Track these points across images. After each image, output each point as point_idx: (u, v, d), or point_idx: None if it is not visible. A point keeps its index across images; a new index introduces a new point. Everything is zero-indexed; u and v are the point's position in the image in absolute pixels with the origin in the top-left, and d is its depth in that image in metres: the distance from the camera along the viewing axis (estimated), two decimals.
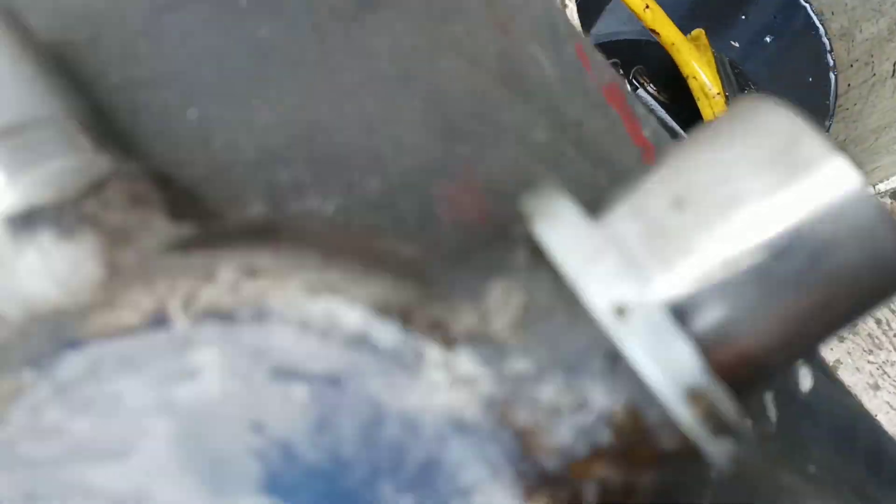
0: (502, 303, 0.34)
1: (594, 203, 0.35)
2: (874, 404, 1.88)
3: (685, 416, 0.31)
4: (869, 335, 1.89)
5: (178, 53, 0.43)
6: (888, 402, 1.86)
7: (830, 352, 1.87)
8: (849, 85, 1.73)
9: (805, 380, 0.60)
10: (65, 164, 0.36)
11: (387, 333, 0.32)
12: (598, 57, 0.56)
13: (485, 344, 0.33)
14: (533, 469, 0.32)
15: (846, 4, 1.69)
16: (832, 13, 1.72)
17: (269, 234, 0.36)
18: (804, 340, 0.33)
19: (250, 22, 0.43)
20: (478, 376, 0.32)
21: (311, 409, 0.32)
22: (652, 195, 0.34)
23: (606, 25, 1.77)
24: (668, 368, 0.31)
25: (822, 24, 1.75)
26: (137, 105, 0.43)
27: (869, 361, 1.87)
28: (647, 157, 0.55)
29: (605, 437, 0.32)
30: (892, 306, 1.91)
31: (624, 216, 0.33)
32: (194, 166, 0.42)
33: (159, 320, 0.32)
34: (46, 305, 0.33)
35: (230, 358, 0.32)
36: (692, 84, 1.56)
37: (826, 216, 0.31)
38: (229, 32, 0.43)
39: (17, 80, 0.36)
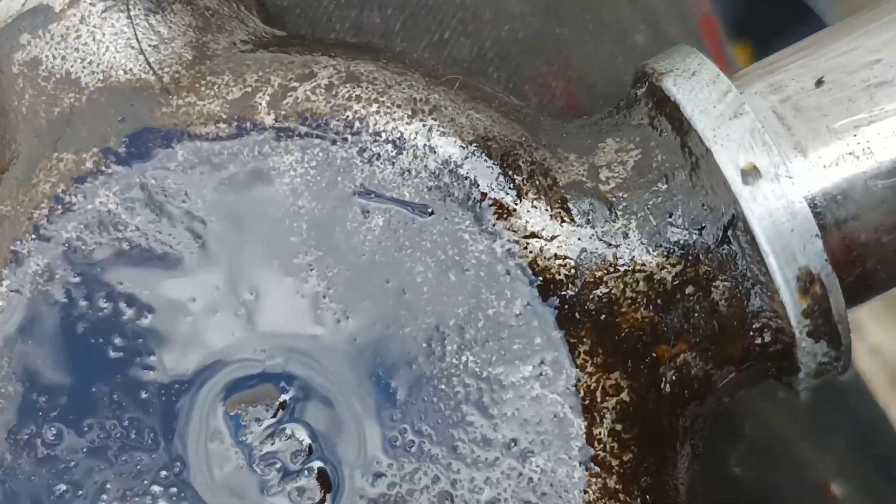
0: (615, 159, 0.31)
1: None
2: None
3: (793, 303, 0.28)
4: None
5: None
6: None
7: None
8: None
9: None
10: None
11: (487, 169, 0.29)
12: None
13: (591, 198, 0.30)
14: (616, 344, 0.29)
15: None
16: None
17: (370, 50, 0.33)
18: None
19: None
20: (577, 233, 0.29)
21: (387, 241, 0.29)
22: (791, 73, 0.31)
23: None
24: (788, 245, 0.28)
25: None
26: None
27: None
28: None
29: (700, 319, 0.29)
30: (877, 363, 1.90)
31: (759, 90, 0.31)
32: None
33: (245, 114, 0.29)
34: (126, 78, 0.30)
35: (311, 169, 0.29)
36: None
37: None
38: None
39: None
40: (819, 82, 0.30)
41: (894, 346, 1.91)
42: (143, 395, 0.29)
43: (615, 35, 0.44)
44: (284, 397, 0.29)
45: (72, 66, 0.30)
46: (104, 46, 0.30)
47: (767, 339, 0.30)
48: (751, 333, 0.30)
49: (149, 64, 0.30)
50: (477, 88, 0.32)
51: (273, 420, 0.29)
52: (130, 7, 0.30)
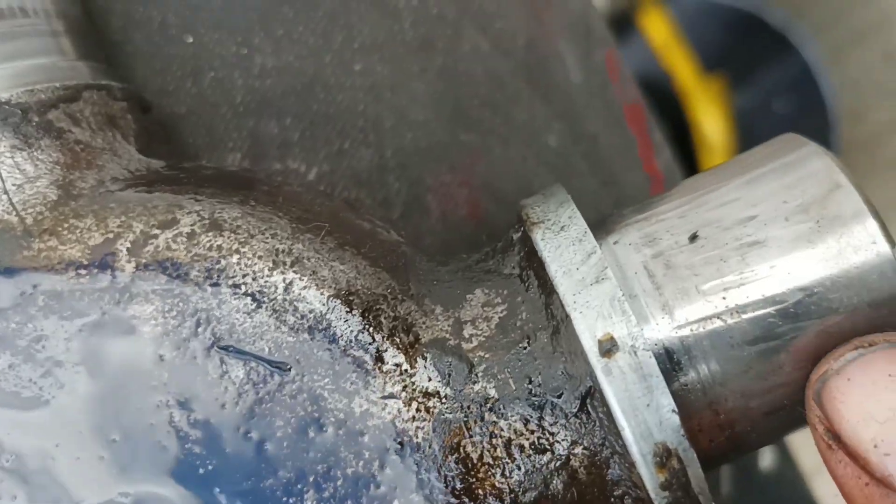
0: (481, 314, 0.30)
1: (600, 221, 0.32)
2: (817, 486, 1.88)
3: (650, 477, 0.28)
4: None
5: None
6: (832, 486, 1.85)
7: None
8: (850, 167, 1.72)
9: (764, 458, 0.57)
10: (42, 63, 0.32)
11: (347, 326, 0.29)
12: (627, 71, 0.52)
13: (452, 357, 0.29)
14: None
15: (860, 85, 1.68)
16: (845, 91, 1.72)
17: (244, 185, 0.32)
18: (792, 416, 0.29)
19: None
20: (437, 393, 0.29)
21: (246, 395, 0.28)
22: (667, 224, 0.30)
23: (626, 57, 1.75)
24: (644, 421, 0.27)
25: (834, 101, 1.74)
26: (134, 19, 0.39)
27: None
28: (655, 188, 0.52)
29: (559, 486, 0.29)
30: None
31: (633, 242, 0.30)
32: (179, 98, 0.39)
33: (106, 261, 0.28)
34: None
35: (172, 319, 0.28)
36: (694, 134, 1.54)
37: (849, 283, 0.28)
38: None
39: None
40: (693, 237, 0.29)
41: None
42: None
43: (526, 136, 0.44)
44: None
45: None
46: None
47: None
48: (611, 501, 0.29)
49: (12, 205, 0.29)
50: (349, 230, 0.32)
51: None
52: None
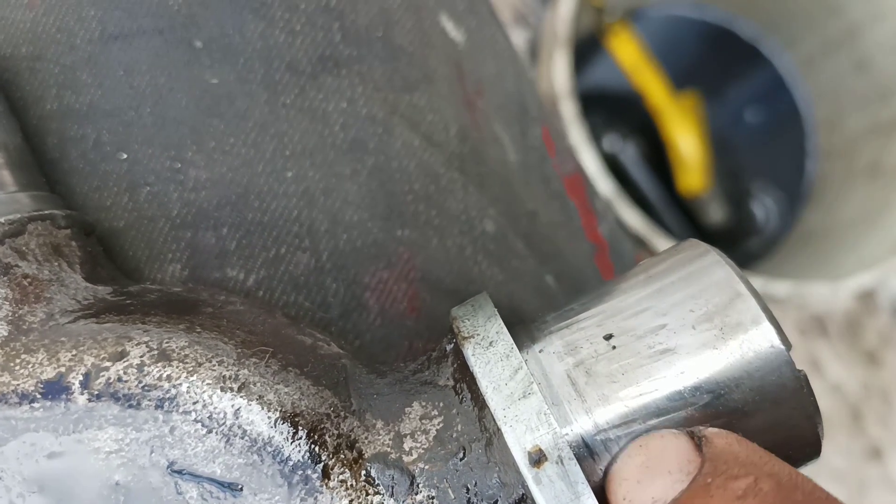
0: (419, 427, 0.32)
1: (525, 327, 0.34)
2: None
3: None
4: None
5: (120, 88, 0.40)
6: None
7: None
8: (826, 173, 1.73)
9: None
10: None
11: (293, 446, 0.30)
12: (564, 144, 0.53)
13: (394, 470, 0.31)
14: None
15: (833, 94, 1.69)
16: (819, 100, 1.73)
17: (189, 309, 0.33)
18: None
19: (202, 66, 0.41)
20: None
21: None
22: (587, 333, 0.32)
23: (598, 75, 1.76)
24: None
25: (808, 110, 1.75)
26: (68, 137, 0.40)
27: None
28: (600, 255, 0.53)
29: None
30: (837, 400, 1.91)
31: (556, 351, 0.32)
32: (117, 213, 0.40)
33: (59, 395, 0.30)
34: None
35: (126, 446, 0.29)
36: (671, 151, 1.55)
37: (751, 384, 0.30)
38: (178, 74, 0.40)
39: None
40: (611, 346, 0.32)
41: (854, 383, 1.92)
42: None
43: (462, 225, 0.45)
44: None
45: None
46: None
47: None
48: None
49: None
50: (292, 348, 0.33)
51: None
52: None
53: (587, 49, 1.68)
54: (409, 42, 0.44)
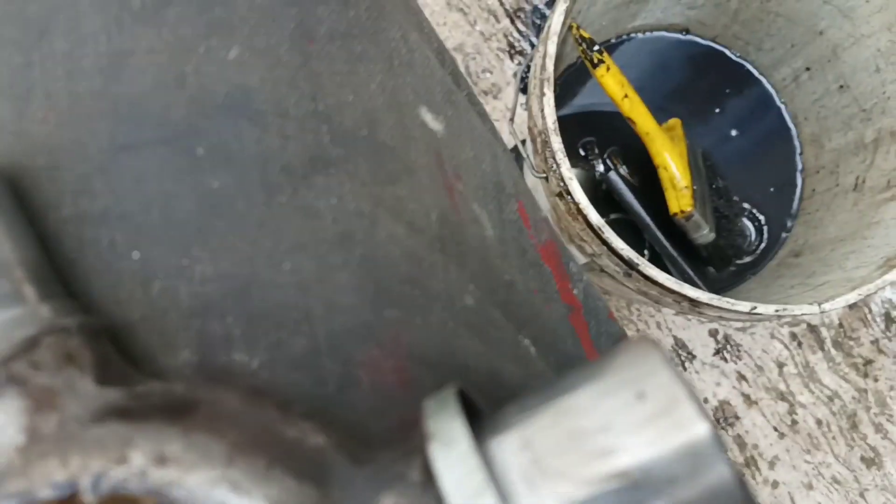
0: None
1: (489, 417, 0.37)
2: (808, 501, 1.92)
3: None
4: (809, 435, 1.93)
5: (130, 194, 0.45)
6: (820, 501, 1.89)
7: (770, 447, 1.90)
8: (814, 190, 1.77)
9: None
10: (4, 318, 0.38)
11: None
12: (538, 214, 0.58)
13: None
14: None
15: (818, 112, 1.73)
16: (805, 118, 1.77)
17: (187, 411, 0.38)
18: None
19: (204, 171, 0.45)
20: None
21: None
22: (541, 431, 0.36)
23: (587, 97, 1.80)
24: None
25: (796, 127, 1.79)
26: (84, 240, 0.44)
27: (806, 461, 1.91)
28: (575, 315, 0.57)
29: None
30: (834, 408, 1.95)
31: (512, 447, 0.35)
32: (132, 307, 0.44)
33: (71, 497, 0.34)
34: None
35: None
36: (662, 174, 1.59)
37: (690, 484, 0.33)
38: (182, 179, 0.45)
39: None
40: (562, 442, 0.35)
41: (849, 391, 1.96)
42: None
43: (445, 302, 0.49)
44: None
45: None
46: None
47: None
48: None
49: None
50: (279, 444, 0.37)
51: None
52: None
53: (580, 71, 1.72)
54: (391, 138, 0.49)
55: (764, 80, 1.83)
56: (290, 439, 0.38)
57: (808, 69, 1.71)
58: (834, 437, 1.94)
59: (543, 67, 1.35)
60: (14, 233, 0.40)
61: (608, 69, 1.55)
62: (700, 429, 0.34)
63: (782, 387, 1.94)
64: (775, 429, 1.92)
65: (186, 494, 0.34)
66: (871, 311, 1.99)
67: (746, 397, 1.94)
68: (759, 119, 1.82)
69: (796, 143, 1.80)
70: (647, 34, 1.81)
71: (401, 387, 0.47)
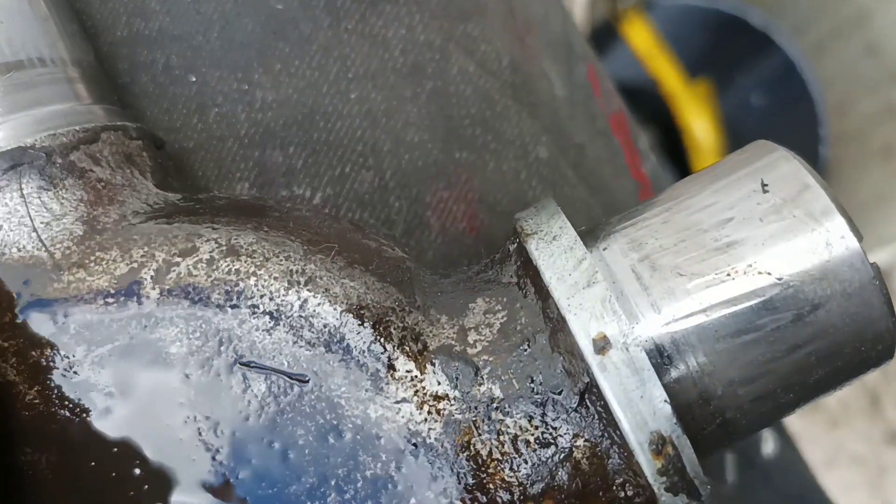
0: (483, 321, 0.33)
1: (589, 230, 0.34)
2: (827, 480, 1.89)
3: (648, 463, 0.30)
4: (829, 412, 1.90)
5: (188, 14, 0.41)
6: (840, 478, 1.87)
7: (789, 424, 1.87)
8: (839, 158, 1.74)
9: (767, 444, 0.59)
10: (61, 108, 0.34)
11: (360, 338, 0.31)
12: (609, 84, 0.54)
13: (459, 362, 0.31)
14: (484, 501, 0.30)
15: (843, 79, 1.70)
16: (830, 85, 1.74)
17: (256, 213, 0.34)
18: (778, 402, 0.32)
19: None
20: (446, 396, 0.31)
21: (268, 407, 0.30)
22: (651, 230, 0.32)
23: (613, 63, 1.77)
24: (639, 412, 0.29)
25: (819, 96, 1.76)
26: (139, 62, 0.41)
27: (826, 439, 1.88)
28: (644, 193, 0.54)
29: (564, 476, 0.31)
30: (855, 386, 1.92)
31: (621, 247, 0.32)
32: (187, 134, 0.41)
33: (131, 289, 0.31)
34: (20, 255, 0.31)
35: (195, 340, 0.30)
36: (685, 139, 1.56)
37: (822, 276, 0.30)
38: None
39: (29, 18, 0.34)
40: (676, 241, 0.32)
41: None
42: None
43: (517, 151, 0.46)
44: None
45: None
46: None
47: (630, 493, 0.31)
48: (613, 488, 0.31)
49: (41, 241, 0.31)
50: (357, 249, 0.33)
51: None
52: (23, 186, 0.32)
53: (602, 38, 1.69)
54: None
55: (787, 48, 1.80)
56: (368, 247, 0.35)
57: (834, 34, 1.68)
58: (855, 416, 1.91)
59: None
60: (68, 31, 0.36)
61: (635, 24, 1.53)
62: (834, 219, 0.30)
63: None
64: None
65: (258, 288, 0.31)
66: (893, 287, 1.96)
67: None
68: (778, 85, 1.79)
69: (821, 110, 1.77)
70: (671, 1, 1.78)
71: (471, 233, 0.44)
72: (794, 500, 0.57)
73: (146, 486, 0.30)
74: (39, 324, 0.30)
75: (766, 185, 0.32)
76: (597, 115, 0.52)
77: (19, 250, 0.31)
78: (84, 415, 0.30)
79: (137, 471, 0.30)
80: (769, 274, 0.30)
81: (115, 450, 0.30)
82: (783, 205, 0.31)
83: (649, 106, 1.63)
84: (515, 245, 0.33)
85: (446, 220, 0.43)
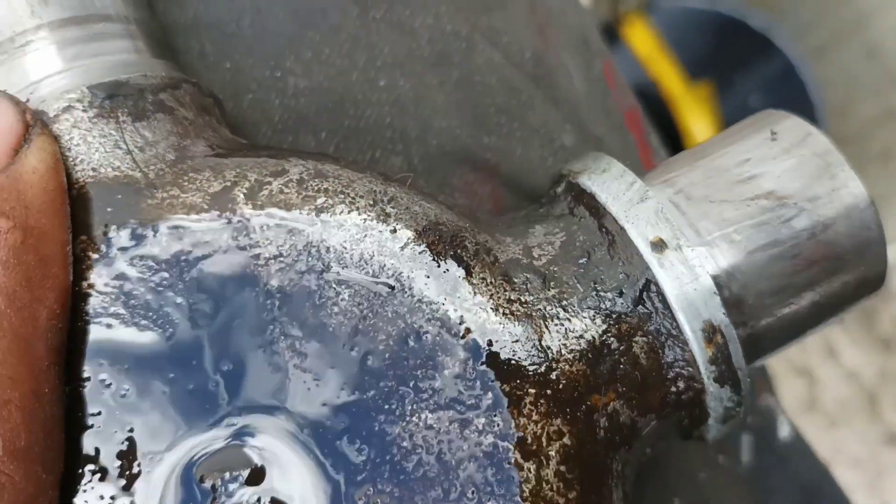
0: (545, 241, 0.36)
1: None
2: None
3: (700, 352, 0.34)
4: (828, 413, 1.91)
5: (221, 2, 0.42)
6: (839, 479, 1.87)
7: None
8: None
9: (783, 427, 0.60)
10: (143, 57, 0.36)
11: (439, 248, 0.33)
12: (623, 80, 0.56)
13: (528, 272, 0.34)
14: (556, 395, 0.33)
15: (844, 82, 1.72)
16: (830, 89, 1.75)
17: (333, 159, 0.36)
18: (797, 318, 0.36)
19: None
20: (518, 300, 0.33)
21: (352, 314, 0.32)
22: (681, 172, 0.37)
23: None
24: (692, 303, 0.34)
25: (819, 99, 1.78)
26: (176, 49, 0.42)
27: (825, 439, 1.89)
28: None
29: (625, 371, 0.34)
30: (854, 386, 1.93)
31: (658, 185, 0.36)
32: (224, 119, 0.42)
33: (224, 205, 0.32)
34: (115, 174, 0.32)
35: (285, 251, 0.32)
36: (685, 141, 1.58)
37: (829, 199, 0.35)
38: None
39: None
40: (704, 177, 0.36)
41: (870, 369, 1.94)
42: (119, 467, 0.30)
43: (543, 139, 0.47)
44: (257, 463, 0.31)
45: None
46: (94, 147, 0.32)
47: (682, 386, 0.35)
48: (667, 382, 0.35)
49: (135, 162, 0.32)
50: (422, 188, 0.36)
51: (246, 487, 0.30)
52: (119, 114, 0.33)
53: (603, 40, 1.70)
54: None
55: (788, 51, 1.82)
56: (431, 192, 0.37)
57: (834, 37, 1.70)
58: (853, 416, 1.92)
59: None
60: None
61: (636, 25, 1.54)
62: (835, 154, 0.36)
63: (801, 363, 1.93)
64: (795, 406, 1.91)
65: (346, 205, 0.33)
66: (890, 289, 1.98)
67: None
68: (777, 87, 1.80)
69: (820, 113, 1.78)
70: (671, 3, 1.80)
71: (496, 213, 0.45)
72: (810, 485, 0.59)
73: (223, 400, 0.31)
74: (134, 237, 0.31)
75: (775, 132, 0.37)
76: (612, 110, 0.54)
77: (114, 170, 0.32)
78: (166, 328, 0.31)
79: (217, 383, 0.31)
80: (787, 198, 0.35)
81: (194, 363, 0.31)
82: (791, 147, 0.36)
83: (650, 107, 1.64)
84: (563, 186, 0.37)
85: (472, 202, 0.44)
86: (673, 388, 0.35)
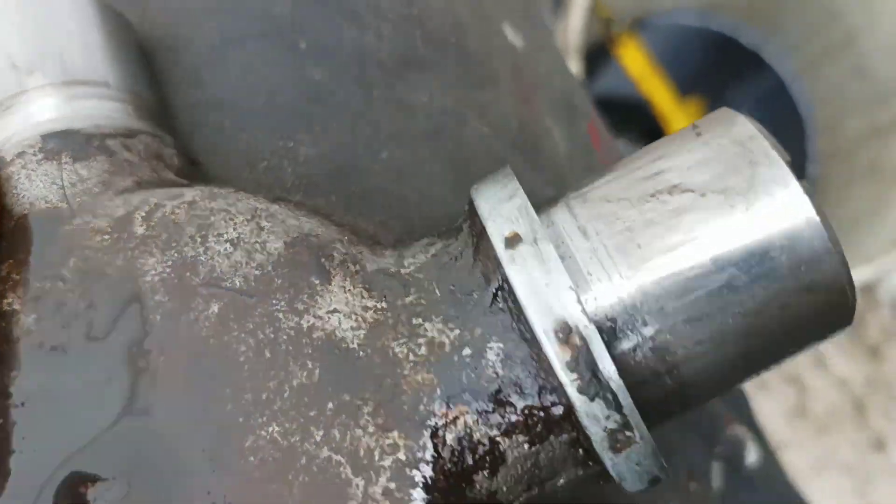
0: (421, 251, 0.36)
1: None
2: (814, 487, 1.95)
3: (556, 355, 0.30)
4: (817, 419, 1.95)
5: (237, 83, 0.47)
6: (827, 485, 1.91)
7: (778, 431, 1.92)
8: (828, 176, 1.80)
9: (751, 454, 0.65)
10: (115, 115, 0.40)
11: (303, 258, 0.34)
12: (611, 142, 0.61)
13: (391, 279, 0.35)
14: (398, 405, 0.31)
15: (833, 98, 1.76)
16: (820, 105, 1.80)
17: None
18: (725, 326, 0.31)
19: (306, 64, 0.48)
20: (374, 307, 0.34)
21: (218, 327, 0.32)
22: (591, 178, 0.35)
23: (607, 82, 1.83)
24: (545, 300, 0.30)
25: (809, 114, 1.82)
26: (196, 124, 0.47)
27: (814, 446, 1.93)
28: None
29: (476, 380, 0.32)
30: (843, 393, 1.97)
31: (564, 195, 0.35)
32: (239, 184, 0.47)
33: (124, 227, 0.35)
34: (45, 206, 0.37)
35: (167, 267, 0.34)
36: None
37: (747, 190, 0.31)
38: (285, 71, 0.48)
39: (99, 48, 0.41)
40: (609, 180, 0.34)
41: (858, 377, 1.98)
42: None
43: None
44: (115, 475, 0.31)
45: (7, 200, 0.37)
46: (35, 184, 0.37)
47: (547, 401, 0.31)
48: (526, 393, 0.31)
49: (65, 194, 0.37)
50: (322, 208, 0.39)
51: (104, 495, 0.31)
52: (62, 157, 0.38)
53: (597, 56, 1.75)
54: (477, 47, 0.52)
55: (778, 67, 1.86)
56: (327, 211, 0.40)
57: (824, 54, 1.74)
58: (842, 423, 1.96)
59: (567, 43, 1.37)
60: (137, 76, 0.43)
61: (628, 46, 1.59)
62: (757, 139, 0.32)
63: (791, 372, 1.97)
64: (784, 413, 1.94)
65: (225, 222, 0.36)
66: (878, 298, 2.02)
67: (755, 381, 1.96)
68: (768, 103, 1.84)
69: (810, 128, 1.83)
70: (664, 20, 1.84)
71: None
72: None
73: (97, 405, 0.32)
74: (47, 257, 0.35)
75: (698, 125, 0.34)
76: (596, 168, 0.59)
77: (46, 203, 0.37)
78: (79, 334, 0.33)
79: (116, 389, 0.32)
80: (691, 191, 0.31)
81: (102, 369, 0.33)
82: (711, 138, 0.32)
83: (642, 124, 1.69)
84: (468, 206, 0.36)
85: None
86: (537, 402, 0.31)
